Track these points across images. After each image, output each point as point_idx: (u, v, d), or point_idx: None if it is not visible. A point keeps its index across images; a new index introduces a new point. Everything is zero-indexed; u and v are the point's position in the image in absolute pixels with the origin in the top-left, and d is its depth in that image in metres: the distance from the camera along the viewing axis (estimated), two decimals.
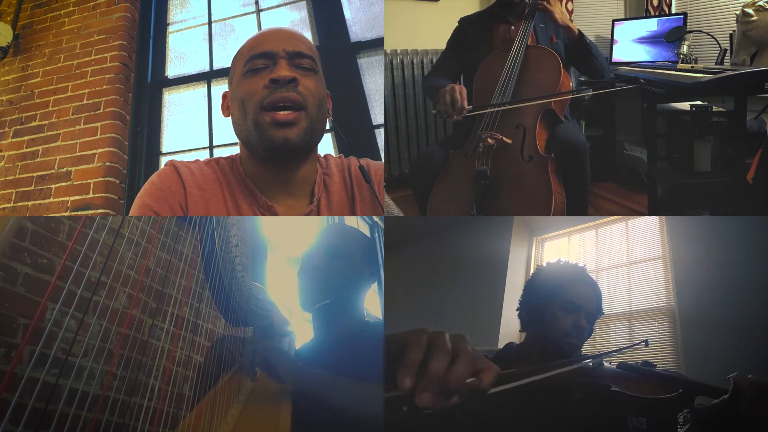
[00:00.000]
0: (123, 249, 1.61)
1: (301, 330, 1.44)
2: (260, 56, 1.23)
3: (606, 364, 1.23)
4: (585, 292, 1.31)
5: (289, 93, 1.19)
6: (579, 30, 2.17)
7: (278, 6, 3.05)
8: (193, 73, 3.05)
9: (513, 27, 2.28)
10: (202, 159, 1.35)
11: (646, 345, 1.36)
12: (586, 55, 2.21)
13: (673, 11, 3.51)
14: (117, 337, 1.68)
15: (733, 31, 2.71)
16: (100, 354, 1.58)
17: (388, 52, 3.49)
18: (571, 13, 3.78)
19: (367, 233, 3.80)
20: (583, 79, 2.83)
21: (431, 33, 3.55)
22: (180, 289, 1.53)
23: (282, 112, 1.18)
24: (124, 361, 1.60)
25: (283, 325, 1.37)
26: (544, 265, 1.44)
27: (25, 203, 2.70)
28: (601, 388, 1.07)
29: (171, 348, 1.69)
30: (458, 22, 2.44)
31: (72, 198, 2.63)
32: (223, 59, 3.02)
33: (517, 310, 1.42)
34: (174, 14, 3.28)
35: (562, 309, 1.28)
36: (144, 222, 1.54)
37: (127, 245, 1.63)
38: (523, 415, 1.04)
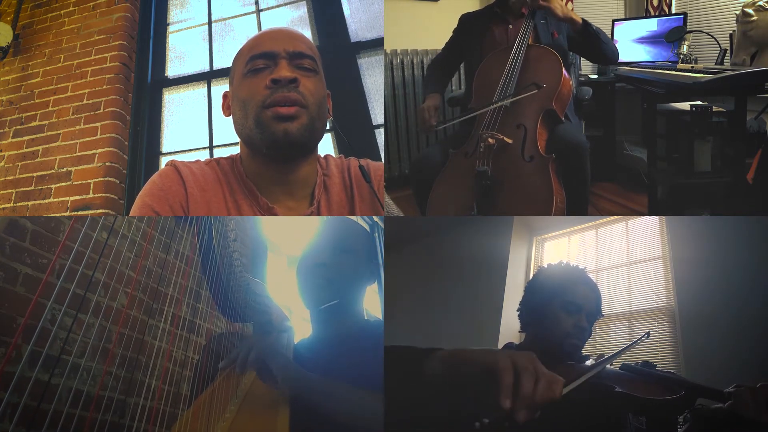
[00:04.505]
0: (120, 247, 1.60)
1: (299, 326, 1.43)
2: (261, 56, 1.23)
3: (607, 365, 1.24)
4: (585, 293, 1.32)
5: (290, 93, 1.20)
6: (583, 18, 2.15)
7: (278, 6, 3.06)
8: (193, 73, 3.05)
9: (512, 26, 2.28)
10: (202, 159, 1.35)
11: (648, 336, 1.40)
12: (595, 42, 2.19)
13: (673, 11, 3.51)
14: (113, 336, 1.68)
15: (733, 31, 2.71)
16: (96, 353, 1.58)
17: (388, 52, 3.49)
18: None
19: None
20: (582, 79, 2.83)
21: (431, 33, 3.54)
22: (177, 288, 1.53)
23: (284, 107, 1.19)
24: (120, 360, 1.60)
25: (282, 320, 1.37)
26: (545, 266, 1.45)
27: (25, 203, 2.70)
28: (604, 388, 1.08)
29: (168, 347, 1.68)
30: (459, 18, 2.45)
31: (72, 198, 2.63)
32: (223, 59, 3.02)
33: (517, 310, 1.42)
34: (174, 14, 3.28)
35: (564, 310, 1.29)
36: (139, 219, 1.54)
37: (124, 244, 1.63)
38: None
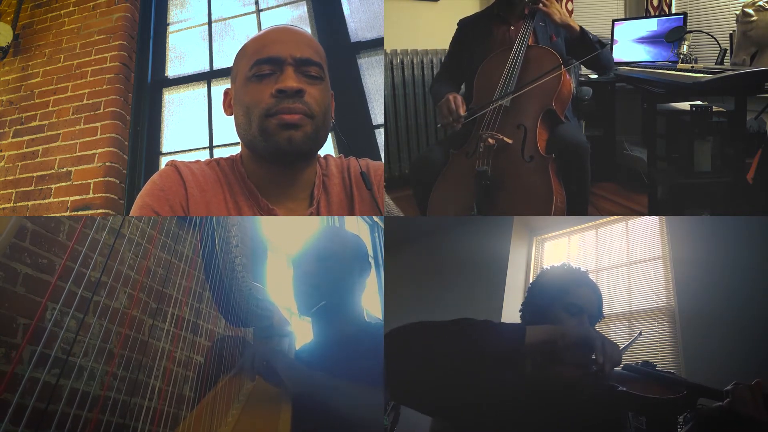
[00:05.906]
0: (123, 249, 1.60)
1: (300, 331, 1.44)
2: (266, 61, 1.21)
3: None
4: (588, 295, 1.33)
5: (295, 104, 1.18)
6: (580, 26, 2.17)
7: (278, 6, 3.06)
8: (192, 73, 3.05)
9: (513, 27, 2.28)
10: (202, 159, 1.35)
11: (640, 334, 1.44)
12: (591, 50, 2.20)
13: (673, 11, 3.51)
14: (117, 338, 1.68)
15: (733, 31, 2.71)
16: (101, 354, 1.58)
17: (388, 52, 3.49)
18: (571, 13, 3.78)
19: (367, 233, 3.81)
20: (582, 79, 2.83)
21: (431, 33, 3.55)
22: (180, 290, 1.53)
23: (288, 115, 1.18)
24: (125, 362, 1.60)
25: (283, 325, 1.37)
26: (548, 267, 1.46)
27: (25, 203, 2.70)
28: (607, 387, 1.09)
29: (171, 348, 1.69)
30: (457, 24, 2.44)
31: (72, 198, 2.63)
32: (223, 59, 3.02)
33: (519, 311, 1.43)
34: (174, 14, 3.28)
35: (566, 311, 1.29)
36: (144, 222, 1.54)
37: (128, 245, 1.63)
38: (533, 413, 1.06)
